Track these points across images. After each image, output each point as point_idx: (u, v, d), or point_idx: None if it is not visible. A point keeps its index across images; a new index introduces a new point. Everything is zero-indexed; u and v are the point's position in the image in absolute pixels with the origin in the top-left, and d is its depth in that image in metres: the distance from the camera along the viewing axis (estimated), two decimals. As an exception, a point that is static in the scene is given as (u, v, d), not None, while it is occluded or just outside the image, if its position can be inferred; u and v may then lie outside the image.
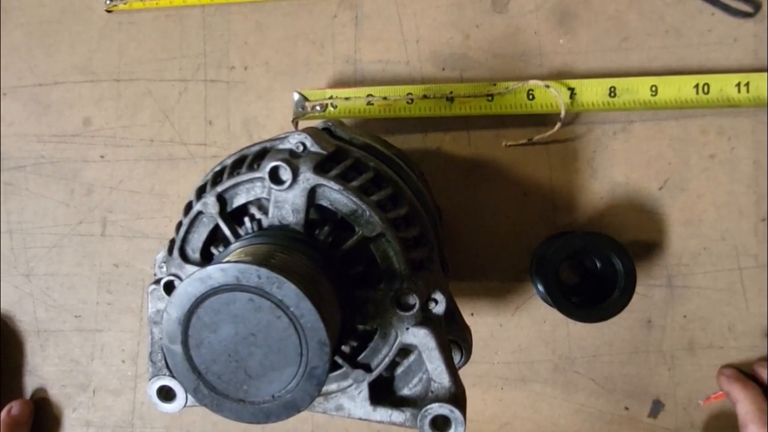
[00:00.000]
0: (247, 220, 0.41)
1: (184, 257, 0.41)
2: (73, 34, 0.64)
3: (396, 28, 0.60)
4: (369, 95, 0.58)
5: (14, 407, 0.63)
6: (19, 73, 0.65)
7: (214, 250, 0.41)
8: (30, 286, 0.65)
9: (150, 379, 0.41)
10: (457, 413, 0.37)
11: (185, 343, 0.33)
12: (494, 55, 0.59)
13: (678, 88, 0.56)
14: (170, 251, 0.42)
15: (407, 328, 0.38)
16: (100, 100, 0.64)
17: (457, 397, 0.37)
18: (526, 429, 0.60)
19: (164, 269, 0.42)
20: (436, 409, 0.37)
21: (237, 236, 0.40)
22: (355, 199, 0.38)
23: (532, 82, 0.57)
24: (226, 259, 0.34)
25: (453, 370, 0.38)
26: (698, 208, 0.58)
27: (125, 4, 0.63)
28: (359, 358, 0.39)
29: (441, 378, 0.38)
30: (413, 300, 0.38)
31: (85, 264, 0.65)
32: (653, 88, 0.56)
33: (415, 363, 0.39)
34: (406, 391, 0.40)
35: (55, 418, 0.65)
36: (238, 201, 0.40)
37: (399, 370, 0.40)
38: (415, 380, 0.39)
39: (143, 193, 0.64)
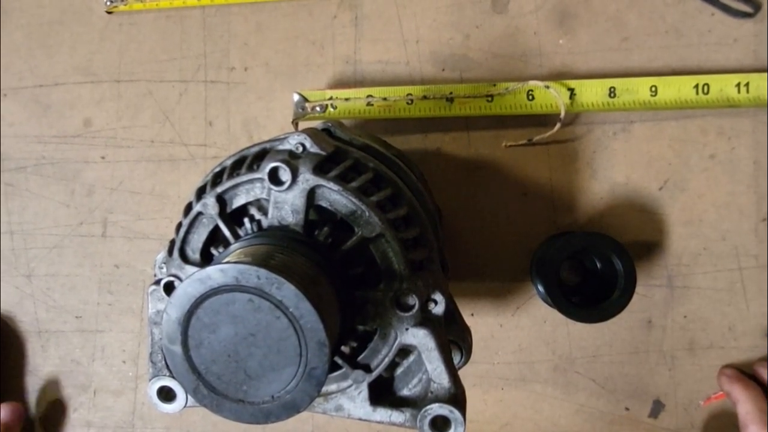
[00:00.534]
0: (246, 220, 0.41)
1: (184, 258, 0.42)
2: (74, 35, 0.65)
3: (396, 28, 0.61)
4: (369, 96, 0.58)
5: (2, 411, 0.61)
6: (20, 74, 0.65)
7: (213, 251, 0.42)
8: (31, 287, 0.66)
9: (150, 380, 0.41)
10: (457, 413, 0.37)
11: (185, 344, 0.33)
12: (494, 55, 0.59)
13: (678, 89, 0.56)
14: (170, 252, 0.42)
15: (407, 329, 0.38)
16: (101, 101, 0.64)
17: (456, 397, 0.37)
18: (526, 429, 0.60)
19: (164, 270, 0.42)
20: (436, 409, 0.37)
21: (237, 237, 0.40)
22: (354, 199, 0.38)
23: (532, 83, 0.57)
24: (226, 260, 0.34)
25: (453, 371, 0.38)
26: (698, 209, 0.58)
27: (125, 5, 0.63)
28: (359, 358, 0.39)
29: (441, 378, 0.38)
30: (413, 300, 0.38)
31: (86, 265, 0.65)
32: (653, 89, 0.56)
33: (415, 363, 0.39)
34: (405, 392, 0.40)
35: (56, 418, 0.65)
36: (238, 202, 0.40)
37: (399, 371, 0.40)
38: (415, 381, 0.39)
39: (144, 193, 0.64)
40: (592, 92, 0.57)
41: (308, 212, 0.39)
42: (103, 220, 0.64)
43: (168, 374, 0.41)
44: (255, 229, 0.40)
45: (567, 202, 0.59)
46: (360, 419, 0.39)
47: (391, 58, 0.61)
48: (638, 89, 0.56)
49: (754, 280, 0.58)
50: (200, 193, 0.42)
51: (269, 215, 0.39)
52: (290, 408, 0.33)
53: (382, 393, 0.40)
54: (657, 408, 0.59)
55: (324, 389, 0.39)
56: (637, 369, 0.59)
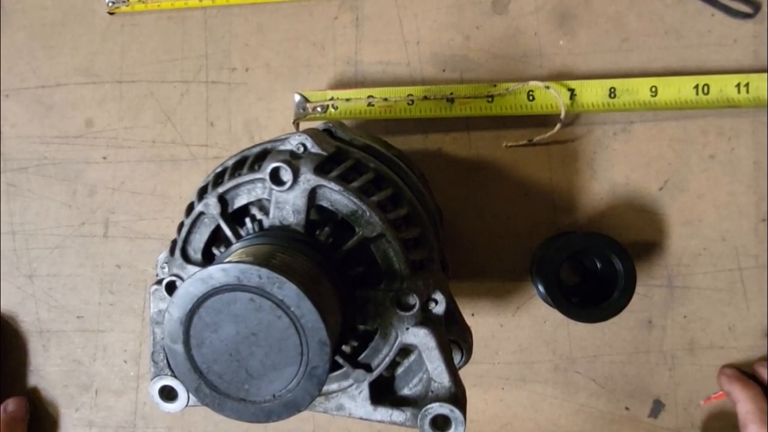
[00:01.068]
0: (248, 220, 0.41)
1: (186, 258, 0.42)
2: (76, 36, 0.65)
3: (396, 29, 0.61)
4: (370, 96, 0.59)
5: (10, 404, 0.63)
6: (22, 75, 0.66)
7: (215, 251, 0.42)
8: (32, 287, 0.66)
9: (152, 379, 0.41)
10: (458, 413, 0.37)
11: (187, 343, 0.33)
12: (494, 56, 0.60)
13: (678, 89, 0.56)
14: (172, 252, 0.42)
15: (407, 328, 0.38)
16: (103, 101, 0.64)
17: (457, 396, 0.38)
18: (526, 429, 0.60)
19: (166, 270, 0.43)
20: (437, 408, 0.37)
21: (238, 237, 0.40)
22: (355, 199, 0.38)
23: (533, 83, 0.57)
24: (228, 260, 0.34)
25: (453, 370, 0.38)
26: (698, 209, 0.58)
27: (127, 6, 0.63)
28: (360, 357, 0.39)
29: (441, 378, 0.38)
30: (413, 300, 0.38)
31: (88, 265, 0.65)
32: (653, 89, 0.56)
33: (416, 363, 0.39)
34: (406, 391, 0.40)
35: (58, 418, 0.65)
36: (240, 202, 0.41)
37: (399, 370, 0.40)
38: (416, 380, 0.39)
39: (145, 194, 0.64)
40: (592, 93, 0.57)
41: (309, 212, 0.39)
42: (105, 221, 0.64)
43: (170, 374, 0.41)
44: (256, 228, 0.40)
45: (567, 203, 0.59)
46: (361, 418, 0.39)
47: (391, 59, 0.61)
48: (638, 90, 0.56)
49: (754, 280, 0.58)
50: (202, 193, 0.42)
51: (270, 215, 0.39)
52: (291, 407, 0.33)
53: (383, 392, 0.40)
54: (657, 408, 0.59)
55: (325, 388, 0.39)
56: (638, 369, 0.59)
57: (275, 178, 0.39)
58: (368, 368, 0.39)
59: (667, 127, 0.58)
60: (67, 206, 0.65)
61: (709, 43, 0.58)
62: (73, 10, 0.65)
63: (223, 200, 0.41)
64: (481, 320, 0.61)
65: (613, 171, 0.59)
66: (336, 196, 0.39)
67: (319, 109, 0.59)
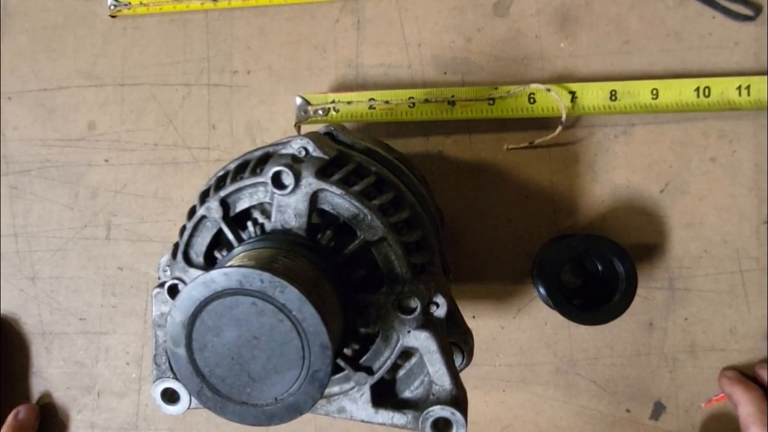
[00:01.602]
0: (250, 224, 0.41)
1: (188, 261, 0.42)
2: (78, 39, 0.65)
3: (398, 32, 0.61)
4: (371, 99, 0.59)
5: (21, 411, 0.63)
6: (24, 78, 0.66)
7: (217, 254, 0.42)
8: (35, 289, 0.66)
9: (154, 382, 0.41)
10: (458, 415, 0.37)
11: (189, 346, 0.33)
12: (496, 58, 0.60)
13: (679, 92, 0.56)
14: (174, 255, 0.42)
15: (409, 331, 0.38)
16: (105, 104, 0.65)
17: (458, 399, 0.38)
18: (527, 431, 0.60)
19: (168, 273, 0.43)
20: (438, 411, 0.37)
21: (240, 240, 0.40)
22: (356, 203, 0.39)
23: (534, 86, 0.57)
24: (230, 263, 0.34)
25: (454, 373, 0.38)
26: (699, 211, 0.58)
27: (129, 9, 0.63)
28: (361, 360, 0.39)
29: (442, 380, 0.38)
30: (415, 303, 0.38)
31: (90, 267, 0.65)
32: (654, 92, 0.56)
33: (417, 366, 0.39)
34: (407, 394, 0.40)
35: (60, 420, 0.66)
36: (241, 205, 0.41)
37: (401, 373, 0.40)
38: (417, 383, 0.40)
39: (147, 196, 0.64)
40: (593, 95, 0.57)
41: (311, 216, 0.39)
42: (107, 223, 0.65)
43: (172, 376, 0.41)
44: (258, 232, 0.40)
45: (568, 205, 0.59)
46: (362, 421, 0.39)
47: (393, 62, 0.61)
48: (639, 92, 0.57)
49: (755, 283, 0.58)
50: (204, 196, 0.42)
51: (272, 219, 0.39)
52: (293, 410, 0.33)
53: (384, 395, 0.40)
54: (658, 410, 0.59)
55: (326, 391, 0.39)
56: (639, 371, 0.59)
57: (277, 181, 0.39)
58: (370, 371, 0.39)
59: (668, 130, 0.58)
60: (70, 209, 0.65)
61: (710, 45, 0.58)
62: (75, 13, 0.65)
63: (225, 204, 0.41)
64: (482, 322, 0.61)
65: (614, 173, 0.59)
66: (337, 200, 0.39)
67: (320, 111, 0.59)
